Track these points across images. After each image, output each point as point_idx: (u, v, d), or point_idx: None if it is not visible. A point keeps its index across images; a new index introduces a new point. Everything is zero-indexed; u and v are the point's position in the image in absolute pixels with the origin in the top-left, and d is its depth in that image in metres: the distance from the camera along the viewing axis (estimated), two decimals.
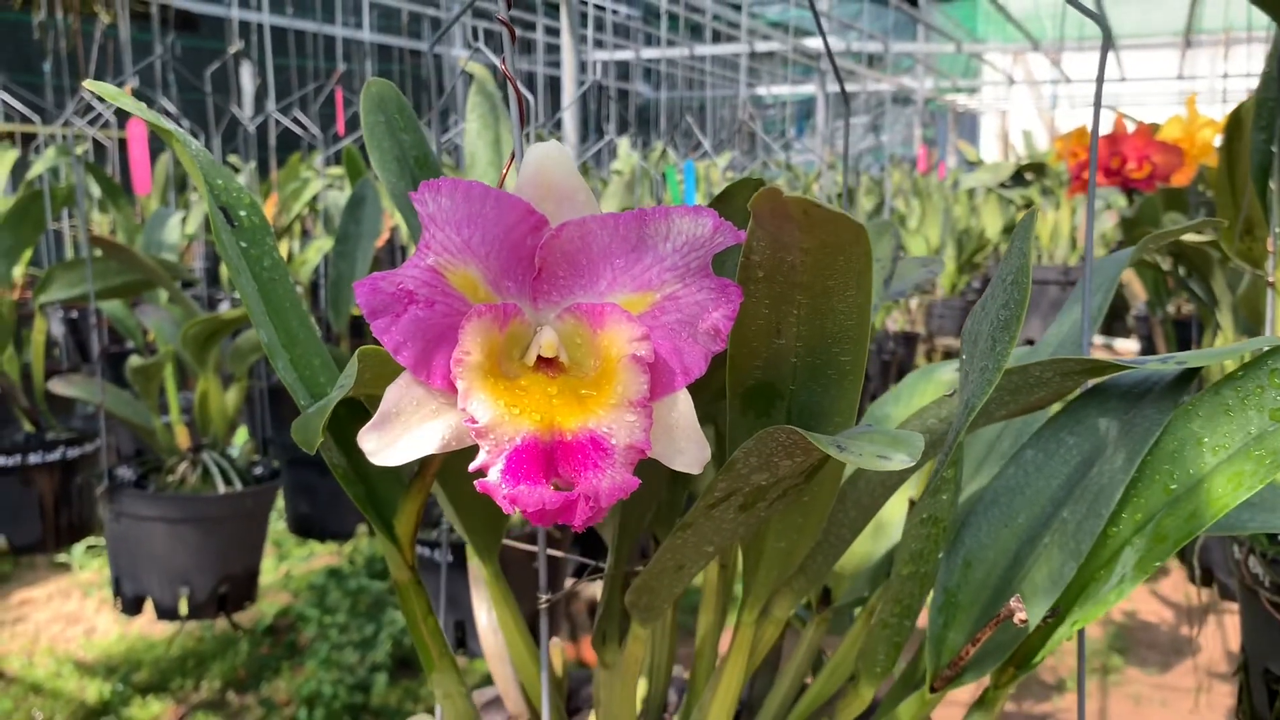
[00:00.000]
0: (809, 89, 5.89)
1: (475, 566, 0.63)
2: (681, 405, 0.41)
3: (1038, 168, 2.76)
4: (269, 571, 2.61)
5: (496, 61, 1.04)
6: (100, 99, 2.04)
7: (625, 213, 0.40)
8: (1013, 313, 0.44)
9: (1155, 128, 1.99)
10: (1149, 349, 2.72)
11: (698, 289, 0.40)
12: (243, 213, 0.50)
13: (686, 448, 0.42)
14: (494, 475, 0.38)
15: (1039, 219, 2.79)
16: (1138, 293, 3.38)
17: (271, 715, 1.98)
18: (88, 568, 2.54)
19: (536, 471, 0.38)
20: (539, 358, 0.40)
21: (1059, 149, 2.42)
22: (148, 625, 2.26)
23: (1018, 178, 2.81)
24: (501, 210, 0.39)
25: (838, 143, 6.36)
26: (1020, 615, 0.45)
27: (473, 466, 0.38)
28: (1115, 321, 4.67)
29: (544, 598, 0.51)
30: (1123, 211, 1.98)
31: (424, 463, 0.51)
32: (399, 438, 0.41)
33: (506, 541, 1.03)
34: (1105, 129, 2.08)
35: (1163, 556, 0.48)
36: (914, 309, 3.53)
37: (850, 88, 5.78)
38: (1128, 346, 4.73)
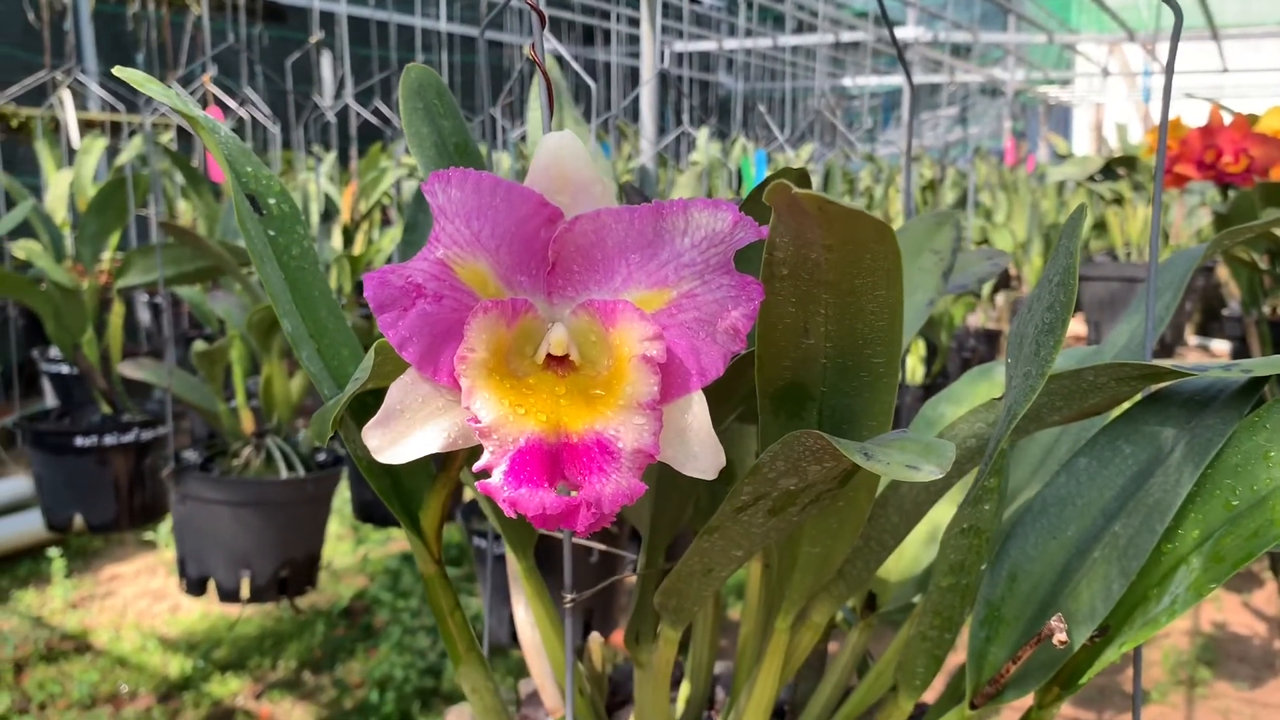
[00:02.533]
0: (895, 80, 5.80)
1: (512, 560, 0.62)
2: (696, 408, 0.40)
3: (1128, 161, 2.67)
4: (346, 554, 2.65)
5: (563, 50, 1.03)
6: (186, 89, 2.09)
7: (641, 205, 0.38)
8: (1058, 315, 0.42)
9: (1254, 119, 1.91)
10: (1242, 351, 2.61)
11: (717, 286, 0.38)
12: (272, 200, 0.49)
13: (700, 453, 0.40)
14: (497, 477, 0.37)
15: (1130, 215, 2.70)
16: (1235, 292, 3.26)
17: (344, 696, 2.01)
18: (172, 546, 2.61)
19: (540, 474, 0.37)
20: (549, 356, 0.39)
21: (1151, 142, 2.33)
22: (229, 604, 2.32)
23: (1107, 171, 2.71)
24: (512, 203, 0.38)
25: (924, 135, 6.25)
26: (1059, 636, 0.43)
27: (476, 467, 0.38)
28: (1212, 322, 4.50)
29: (568, 597, 0.50)
30: (1216, 207, 1.90)
31: (448, 457, 0.50)
32: (403, 435, 0.40)
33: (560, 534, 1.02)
34: (1201, 120, 1.99)
35: (1220, 578, 0.45)
36: (999, 305, 3.45)
37: (937, 79, 5.66)
38: (1225, 348, 4.56)
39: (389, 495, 0.52)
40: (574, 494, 0.38)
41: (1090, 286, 2.61)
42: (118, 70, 0.45)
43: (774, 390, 0.47)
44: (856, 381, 0.46)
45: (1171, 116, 2.20)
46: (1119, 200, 2.73)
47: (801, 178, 0.51)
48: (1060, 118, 9.49)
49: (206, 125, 0.46)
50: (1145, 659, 2.20)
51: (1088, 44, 5.75)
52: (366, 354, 0.42)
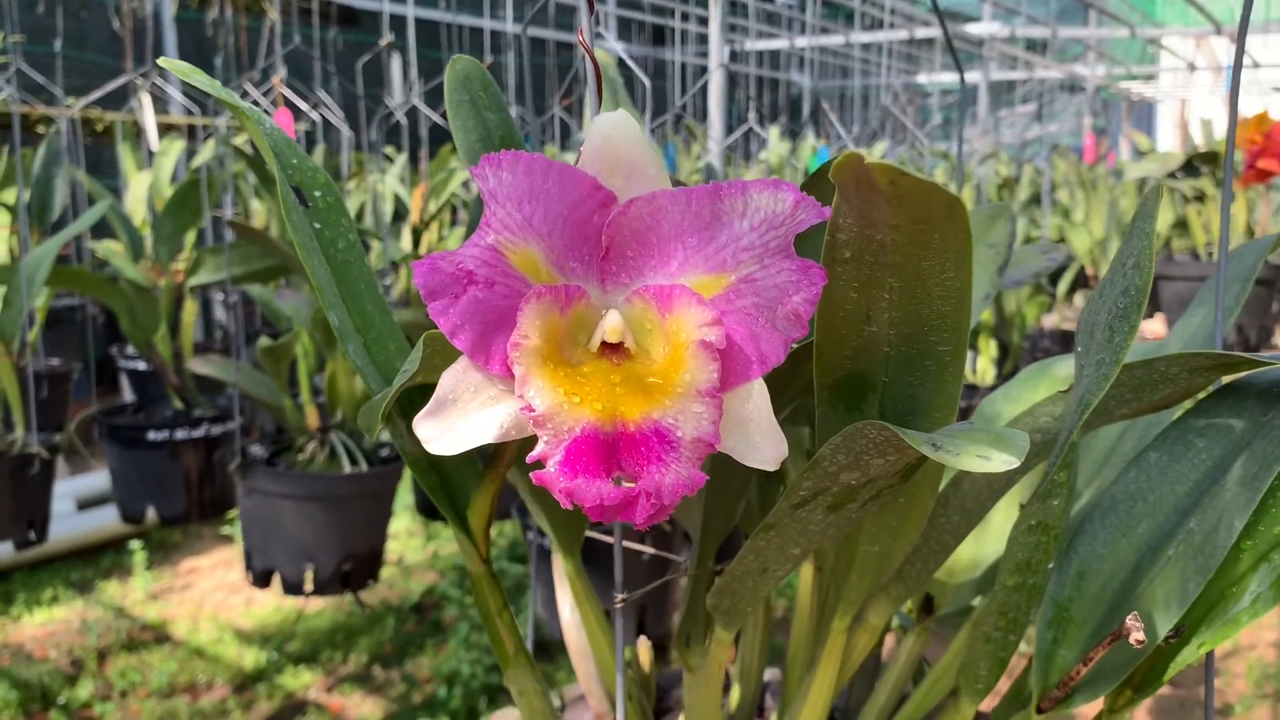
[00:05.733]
0: (971, 75, 5.70)
1: (558, 561, 0.61)
2: (757, 397, 0.38)
3: (1210, 157, 2.58)
4: (416, 551, 2.68)
5: (619, 48, 1.03)
6: (260, 91, 2.13)
7: (699, 187, 0.37)
8: (1133, 300, 0.40)
9: None
10: None
11: (777, 270, 0.37)
12: (317, 193, 0.49)
13: (761, 443, 0.39)
14: (552, 467, 0.36)
15: (1213, 213, 2.62)
16: None
17: (413, 691, 2.03)
18: None
19: (596, 464, 0.36)
20: (603, 343, 0.38)
21: (1235, 137, 2.25)
22: (302, 598, 2.36)
23: (1189, 168, 2.63)
24: (565, 185, 0.37)
25: (1003, 132, 6.13)
26: (1137, 635, 0.41)
27: (530, 457, 0.37)
28: None
29: (619, 597, 0.49)
30: None
31: (497, 451, 0.50)
32: (456, 425, 0.39)
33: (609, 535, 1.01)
34: None
35: None
36: (1077, 304, 3.36)
37: (1014, 75, 5.56)
38: None
39: (436, 492, 0.51)
40: (630, 485, 0.37)
41: (1171, 285, 2.55)
42: (163, 61, 0.45)
43: (833, 381, 0.46)
44: (921, 370, 0.45)
45: (1259, 110, 2.12)
46: (1200, 198, 2.65)
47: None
48: (1144, 114, 9.25)
49: (251, 116, 0.46)
50: (1229, 671, 2.13)
51: (1172, 38, 5.59)
52: (415, 347, 0.41)
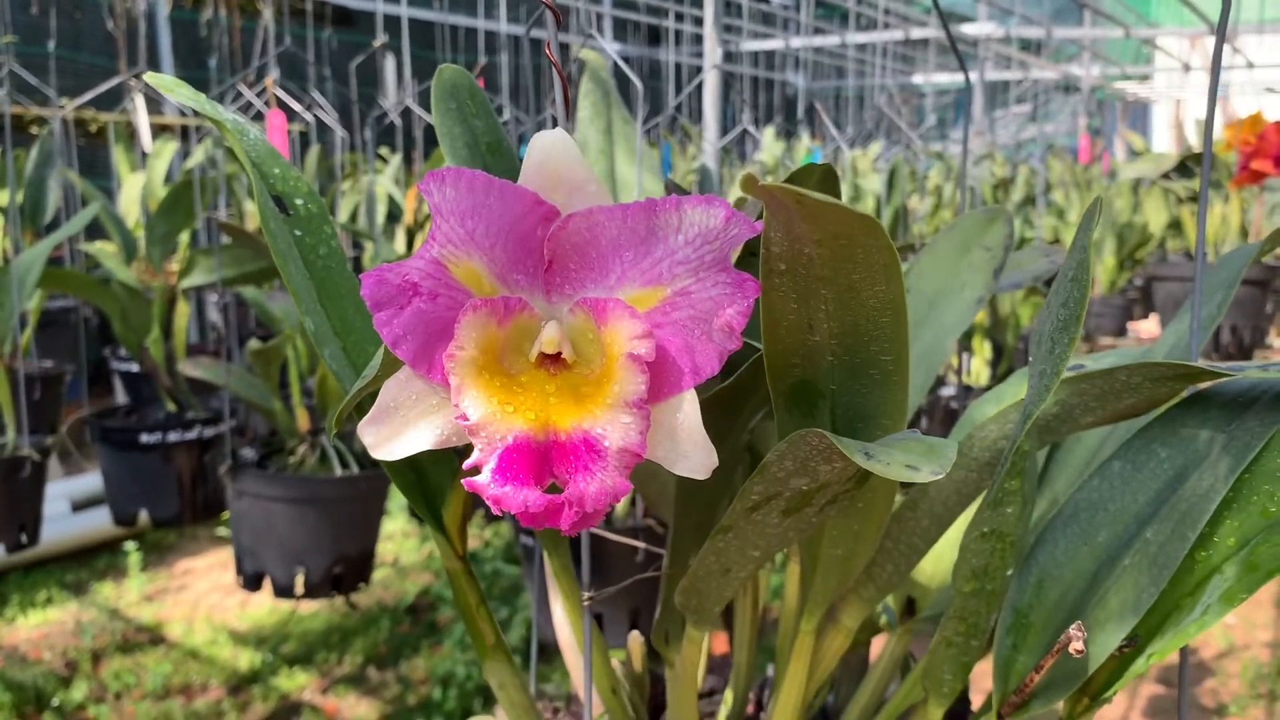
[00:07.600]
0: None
1: (546, 559, 0.62)
2: (687, 407, 0.39)
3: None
4: (411, 551, 2.69)
5: (610, 50, 1.03)
6: (254, 92, 2.14)
7: (634, 203, 0.38)
8: (1072, 312, 0.41)
9: None
10: None
11: (712, 284, 0.38)
12: (299, 201, 0.50)
13: (691, 452, 0.39)
14: (484, 474, 0.37)
15: (1207, 213, 2.61)
16: None
17: (408, 693, 2.03)
18: None
19: (526, 472, 0.37)
20: (541, 354, 0.39)
21: (1228, 137, 2.26)
22: (285, 600, 2.36)
23: (1182, 169, 2.64)
24: (506, 201, 0.38)
25: (999, 132, 6.14)
26: (1076, 646, 0.42)
27: (466, 464, 0.38)
28: None
29: (586, 595, 0.50)
30: None
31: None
32: (398, 432, 0.40)
33: (607, 534, 1.02)
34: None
35: (1253, 588, 0.43)
36: None
37: (1009, 75, 5.56)
38: None
39: (411, 491, 0.52)
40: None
41: (1166, 286, 2.55)
42: (149, 76, 0.46)
43: (785, 388, 0.47)
44: (866, 379, 0.45)
45: (1253, 111, 2.13)
46: (1195, 198, 2.65)
47: (825, 176, 0.51)
48: (1139, 114, 9.25)
49: (233, 129, 0.47)
50: (1224, 671, 2.13)
51: (1167, 38, 5.59)
52: (375, 354, 0.42)
